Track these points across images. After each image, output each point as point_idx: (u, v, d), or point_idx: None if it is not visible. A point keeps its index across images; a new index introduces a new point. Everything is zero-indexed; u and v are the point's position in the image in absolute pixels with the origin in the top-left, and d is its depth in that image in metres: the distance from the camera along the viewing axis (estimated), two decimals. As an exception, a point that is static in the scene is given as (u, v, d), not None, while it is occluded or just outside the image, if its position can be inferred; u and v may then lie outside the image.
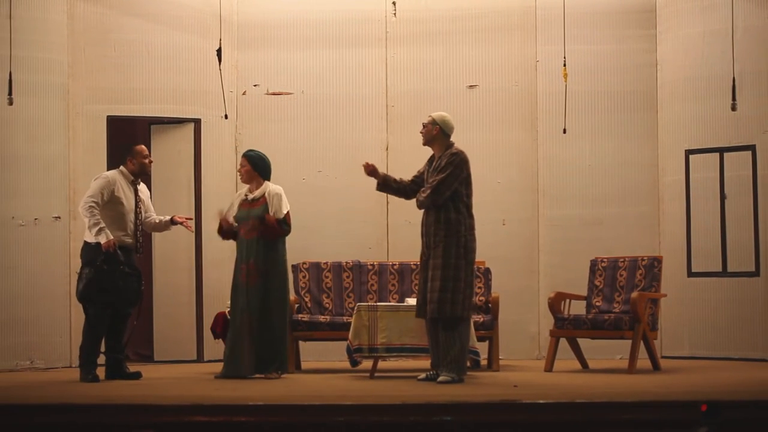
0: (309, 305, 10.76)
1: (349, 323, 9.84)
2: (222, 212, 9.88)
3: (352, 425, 7.14)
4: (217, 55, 11.34)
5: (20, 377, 10.06)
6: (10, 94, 10.27)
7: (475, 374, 9.73)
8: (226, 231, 9.87)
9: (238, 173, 10.04)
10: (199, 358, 11.46)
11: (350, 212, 11.74)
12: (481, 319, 10.38)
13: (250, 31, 11.86)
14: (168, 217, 9.93)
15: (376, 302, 10.44)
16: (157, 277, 11.59)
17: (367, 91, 11.85)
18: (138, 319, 10.07)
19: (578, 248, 11.47)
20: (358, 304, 9.86)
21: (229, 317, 10.01)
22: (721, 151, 11.31)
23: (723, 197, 11.26)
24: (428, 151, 9.47)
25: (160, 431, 7.14)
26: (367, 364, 9.83)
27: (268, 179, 9.87)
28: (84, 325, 9.62)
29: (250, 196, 9.83)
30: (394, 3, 11.89)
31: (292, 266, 10.53)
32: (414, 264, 10.54)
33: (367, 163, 9.44)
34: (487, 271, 10.76)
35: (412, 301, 9.80)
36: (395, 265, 10.99)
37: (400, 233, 11.61)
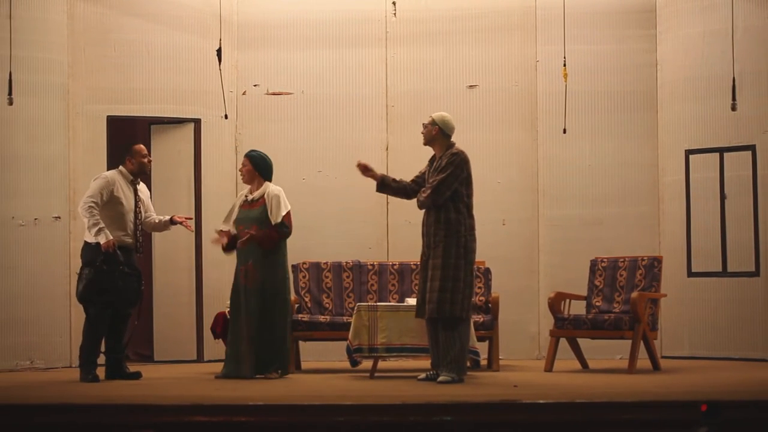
0: (309, 305, 10.75)
1: (349, 323, 9.83)
2: (218, 237, 9.82)
3: (352, 425, 7.14)
4: (217, 55, 11.34)
5: (20, 377, 10.06)
6: (10, 94, 10.27)
7: (475, 374, 9.73)
8: (230, 244, 9.82)
9: (240, 173, 10.03)
10: (199, 358, 11.46)
11: (350, 212, 11.73)
12: (481, 319, 10.37)
13: (250, 31, 11.85)
14: (168, 217, 9.92)
15: (376, 302, 10.44)
16: (157, 277, 11.59)
17: (367, 91, 11.84)
18: (138, 319, 10.07)
19: (578, 248, 11.46)
20: (358, 304, 9.85)
21: (229, 317, 10.00)
22: (721, 151, 11.31)
23: (723, 197, 11.26)
24: (428, 151, 9.47)
25: (160, 431, 7.14)
26: (367, 364, 9.83)
27: (269, 180, 9.86)
28: (84, 325, 9.61)
29: (250, 197, 9.82)
30: (394, 3, 11.89)
31: (292, 266, 10.53)
32: (414, 264, 10.54)
33: (359, 162, 9.45)
34: (487, 271, 10.75)
35: (412, 301, 9.79)
36: (395, 265, 10.98)
37: (400, 233, 11.60)
